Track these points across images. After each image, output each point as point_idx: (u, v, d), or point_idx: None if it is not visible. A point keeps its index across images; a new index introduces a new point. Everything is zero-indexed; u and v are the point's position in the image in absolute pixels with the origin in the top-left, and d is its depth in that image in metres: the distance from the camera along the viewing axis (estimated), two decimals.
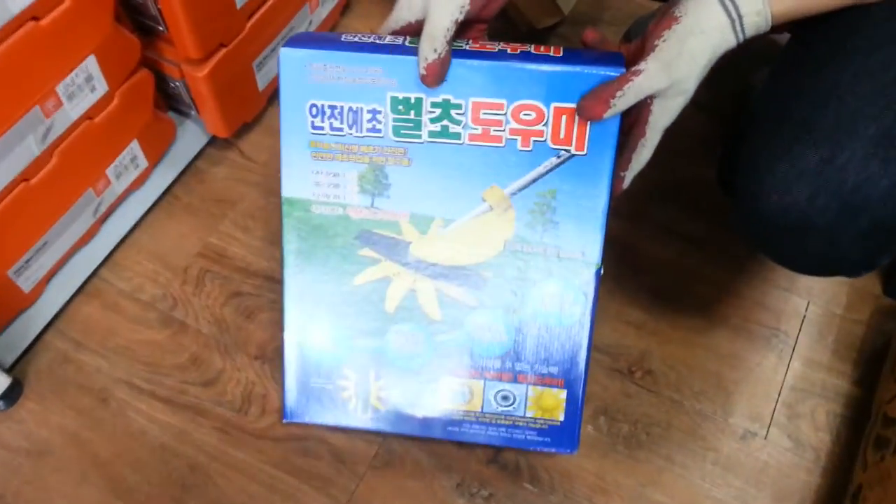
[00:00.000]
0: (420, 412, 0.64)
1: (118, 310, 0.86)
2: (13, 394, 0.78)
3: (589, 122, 0.55)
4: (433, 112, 0.57)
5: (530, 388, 0.62)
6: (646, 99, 0.53)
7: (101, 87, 0.76)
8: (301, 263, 0.62)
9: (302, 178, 0.60)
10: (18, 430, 0.78)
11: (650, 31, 0.53)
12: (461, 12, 0.53)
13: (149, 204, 0.92)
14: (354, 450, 0.77)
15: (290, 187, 0.60)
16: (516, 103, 0.56)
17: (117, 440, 0.77)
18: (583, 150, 0.56)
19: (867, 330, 0.86)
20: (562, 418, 0.63)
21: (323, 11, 1.00)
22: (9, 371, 0.79)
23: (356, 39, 0.58)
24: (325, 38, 0.59)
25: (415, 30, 0.56)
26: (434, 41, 0.53)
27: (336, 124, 0.58)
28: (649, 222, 0.92)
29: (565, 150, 0.56)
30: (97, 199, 0.84)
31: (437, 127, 0.57)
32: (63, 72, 0.70)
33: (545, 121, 0.56)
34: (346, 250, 0.61)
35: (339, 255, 0.61)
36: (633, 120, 0.55)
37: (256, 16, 0.86)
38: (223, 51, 0.83)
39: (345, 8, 1.09)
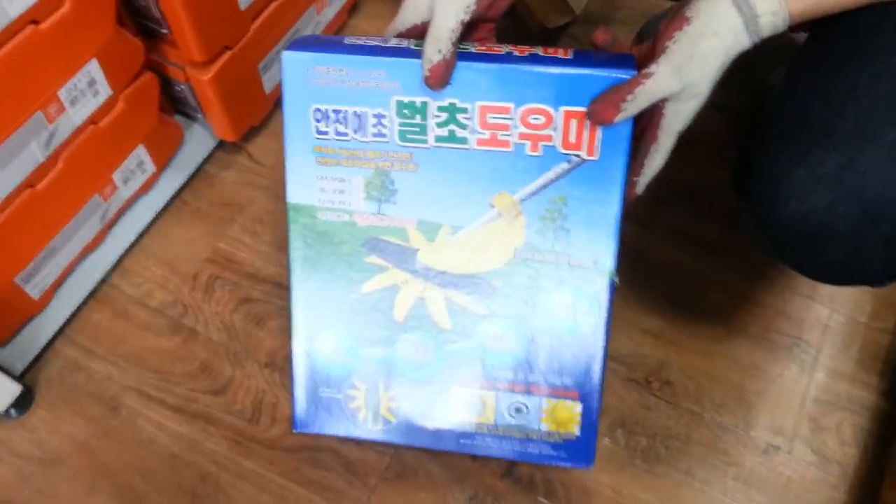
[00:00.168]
0: (431, 424, 0.63)
1: (128, 316, 0.85)
2: (25, 402, 0.79)
3: (600, 127, 0.53)
4: (439, 116, 0.55)
5: (544, 400, 0.60)
6: (658, 102, 0.51)
7: (105, 91, 0.75)
8: (308, 271, 0.61)
9: (307, 183, 0.59)
10: (30, 438, 0.78)
11: (661, 33, 0.51)
12: (466, 13, 0.51)
13: (157, 209, 0.91)
14: (366, 461, 0.76)
15: (296, 193, 0.59)
16: (524, 107, 0.54)
17: (127, 449, 0.77)
18: (594, 155, 0.54)
19: (893, 339, 0.83)
20: (577, 432, 0.61)
21: (330, 12, 0.99)
22: (20, 379, 0.79)
23: (360, 42, 0.57)
24: (329, 41, 0.58)
25: (420, 32, 0.54)
26: (438, 42, 0.51)
27: (341, 129, 0.57)
28: (664, 227, 0.89)
29: (576, 155, 0.55)
30: (104, 205, 0.84)
31: (443, 131, 0.56)
32: (65, 76, 0.70)
33: (554, 125, 0.54)
34: (353, 258, 0.60)
35: (345, 262, 0.60)
36: (645, 124, 0.53)
37: (261, 17, 0.84)
38: (228, 53, 0.82)
39: (353, 8, 1.08)
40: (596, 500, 0.73)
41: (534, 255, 0.58)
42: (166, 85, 0.87)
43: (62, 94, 0.70)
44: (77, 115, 0.73)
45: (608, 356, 0.59)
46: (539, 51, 0.55)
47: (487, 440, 0.62)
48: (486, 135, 0.55)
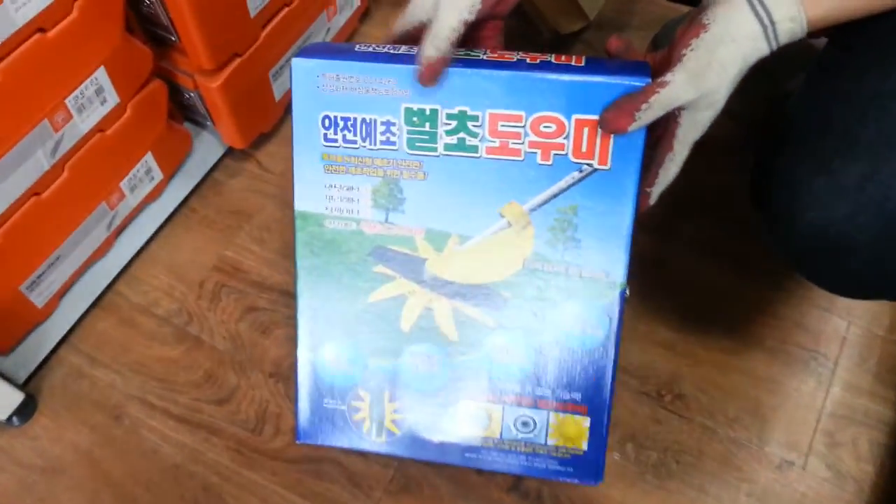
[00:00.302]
0: (437, 437, 0.62)
1: (133, 324, 0.85)
2: (27, 410, 0.78)
3: (612, 136, 0.52)
4: (449, 124, 0.54)
5: (551, 414, 0.59)
6: (673, 111, 0.50)
7: (113, 99, 0.75)
8: (314, 280, 0.60)
9: (315, 191, 0.58)
10: (32, 446, 0.77)
11: (677, 40, 0.50)
12: (471, 12, 0.50)
13: (165, 216, 0.91)
14: (370, 473, 0.75)
15: (303, 201, 0.59)
16: (536, 115, 0.53)
17: (130, 459, 0.76)
18: (606, 164, 0.53)
19: None
20: (585, 447, 0.59)
21: (341, 19, 0.98)
22: (23, 387, 0.78)
23: (370, 49, 0.56)
24: (339, 49, 0.58)
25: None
26: (437, 39, 0.50)
27: (349, 136, 0.56)
28: (677, 236, 0.88)
29: (587, 164, 0.54)
30: (111, 213, 0.83)
31: (453, 139, 0.55)
32: (72, 84, 0.69)
33: (566, 133, 0.53)
34: (360, 267, 0.59)
35: (352, 271, 0.59)
36: (660, 133, 0.52)
37: (272, 24, 0.84)
38: (237, 61, 0.82)
39: (364, 15, 1.07)
40: None
41: (543, 266, 0.57)
42: (175, 92, 0.86)
43: (69, 101, 0.70)
44: (84, 123, 0.73)
45: (619, 368, 0.58)
46: (551, 58, 0.54)
47: (493, 454, 0.61)
48: (497, 143, 0.54)
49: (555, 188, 0.55)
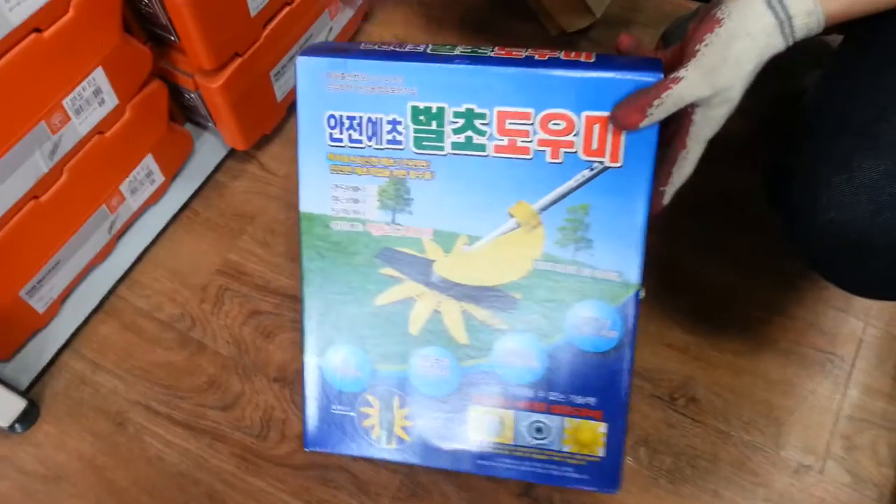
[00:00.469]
0: (448, 444, 0.60)
1: (136, 329, 0.84)
2: (30, 417, 0.77)
3: (624, 133, 0.51)
4: (456, 122, 0.54)
5: (566, 419, 0.58)
6: (686, 108, 0.48)
7: (111, 100, 0.74)
8: (320, 282, 0.59)
9: (320, 192, 0.57)
10: (35, 454, 0.77)
11: (690, 35, 0.48)
12: None
13: (167, 219, 0.90)
14: (378, 480, 0.74)
15: (308, 202, 0.58)
16: (545, 112, 0.52)
17: (133, 466, 0.76)
18: (618, 161, 0.52)
19: None
20: (601, 454, 0.58)
21: (343, 18, 0.97)
22: (25, 393, 0.78)
23: (376, 48, 0.55)
24: (344, 47, 0.57)
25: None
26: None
27: (355, 136, 0.55)
28: (689, 236, 0.86)
29: (598, 161, 0.52)
30: (112, 216, 0.82)
31: (460, 138, 0.54)
32: (69, 85, 0.68)
33: (576, 131, 0.52)
34: (367, 269, 0.58)
35: (359, 274, 0.58)
36: (673, 130, 0.51)
37: (273, 23, 0.83)
38: (238, 60, 0.80)
39: (367, 13, 1.06)
40: None
41: (554, 267, 0.55)
42: (176, 93, 0.85)
43: (66, 103, 0.69)
44: (82, 124, 0.72)
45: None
46: (560, 54, 0.53)
47: (507, 461, 0.60)
48: (505, 141, 0.53)
49: (565, 187, 0.54)
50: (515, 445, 0.59)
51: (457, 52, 0.54)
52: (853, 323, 0.81)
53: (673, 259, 0.85)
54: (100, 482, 0.75)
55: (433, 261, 0.57)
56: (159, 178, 0.87)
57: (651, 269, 0.56)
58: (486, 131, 0.53)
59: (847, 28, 0.54)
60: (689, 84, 0.47)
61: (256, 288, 0.86)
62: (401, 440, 0.61)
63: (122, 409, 0.79)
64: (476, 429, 0.59)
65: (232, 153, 0.95)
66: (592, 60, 0.52)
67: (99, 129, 0.75)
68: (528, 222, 0.55)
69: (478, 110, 0.53)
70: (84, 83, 0.69)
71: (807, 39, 0.48)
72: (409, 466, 0.73)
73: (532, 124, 0.52)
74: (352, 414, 0.61)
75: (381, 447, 0.61)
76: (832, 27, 0.48)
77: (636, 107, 0.48)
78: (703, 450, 0.74)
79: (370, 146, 0.55)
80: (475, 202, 0.55)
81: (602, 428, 0.57)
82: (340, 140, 0.55)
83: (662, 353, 0.80)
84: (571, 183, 0.53)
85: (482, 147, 0.54)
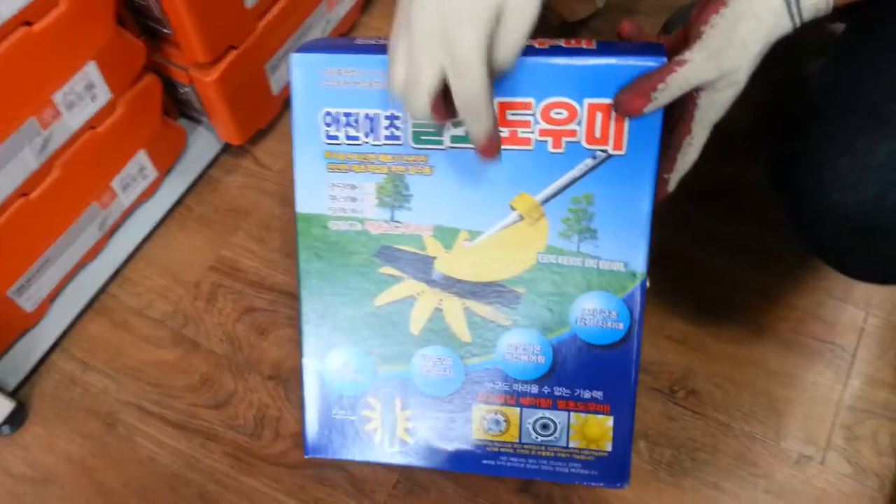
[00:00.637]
0: (452, 445, 0.59)
1: (127, 328, 0.83)
2: (18, 418, 0.76)
3: (628, 120, 0.50)
4: None
5: (572, 415, 0.57)
6: (691, 92, 0.48)
7: (104, 94, 0.73)
8: (318, 284, 0.58)
9: (317, 192, 0.56)
10: (23, 456, 0.76)
11: (695, 17, 0.48)
12: None
13: (159, 215, 0.89)
14: (374, 477, 0.73)
15: (305, 202, 0.57)
16: (546, 101, 0.51)
17: (125, 467, 0.75)
18: (621, 149, 0.51)
19: None
20: (609, 448, 0.57)
21: (341, 10, 0.96)
22: (13, 394, 0.77)
23: (372, 42, 0.54)
24: (339, 43, 0.56)
25: None
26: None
27: (352, 133, 0.54)
28: (689, 226, 0.86)
29: (602, 150, 0.52)
30: (103, 213, 0.81)
31: (460, 131, 0.53)
32: (60, 80, 0.67)
33: (578, 119, 0.51)
34: (366, 268, 0.57)
35: (358, 274, 0.57)
36: (677, 116, 0.50)
37: (268, 15, 0.82)
38: (233, 53, 0.80)
39: (366, 5, 1.05)
40: None
41: (558, 260, 0.55)
42: (170, 87, 0.84)
43: (57, 98, 0.68)
44: (74, 120, 0.71)
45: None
46: (561, 42, 0.52)
47: (512, 460, 0.59)
48: (506, 133, 0.52)
49: (568, 177, 0.53)
50: (521, 443, 0.58)
51: None
52: (854, 312, 0.81)
53: (671, 249, 0.84)
54: (90, 484, 0.74)
55: (434, 258, 0.56)
56: (152, 173, 0.86)
57: (651, 261, 0.56)
58: None
59: (852, 13, 0.54)
60: (695, 66, 0.46)
61: (251, 284, 0.85)
62: (403, 443, 0.60)
63: (113, 410, 0.77)
64: (480, 428, 0.59)
65: (226, 148, 0.94)
66: (594, 47, 0.51)
67: (91, 125, 0.74)
68: (530, 215, 0.54)
69: None
70: (76, 77, 0.68)
71: (810, 27, 0.48)
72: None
73: (533, 114, 0.51)
74: (353, 418, 0.60)
75: (384, 451, 0.60)
76: (839, 10, 0.48)
77: (640, 92, 0.48)
78: (703, 442, 0.74)
79: (368, 143, 0.54)
80: (476, 196, 0.54)
81: (609, 422, 0.57)
82: (337, 137, 0.54)
83: (661, 344, 0.79)
84: (574, 172, 0.52)
85: None
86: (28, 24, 0.61)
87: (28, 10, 0.61)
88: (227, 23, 0.77)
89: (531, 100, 0.51)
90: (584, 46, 0.51)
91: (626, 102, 0.49)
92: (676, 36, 0.51)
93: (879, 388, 0.77)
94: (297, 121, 0.55)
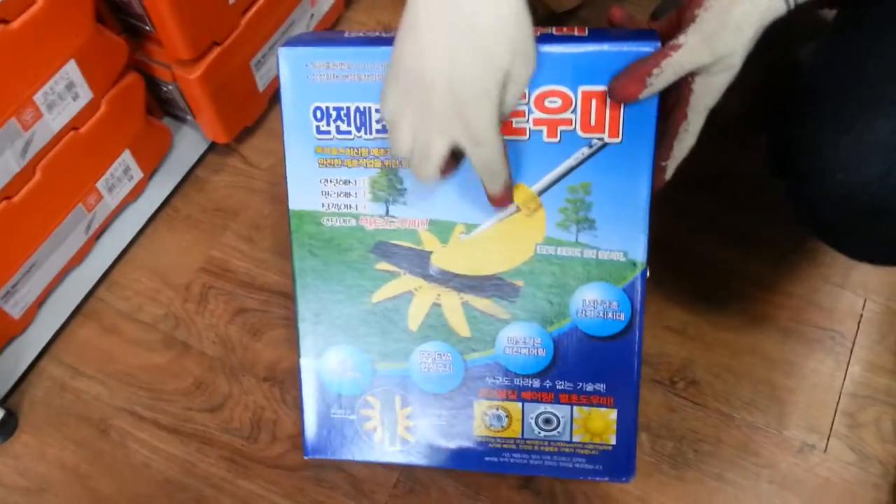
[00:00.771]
0: (453, 442, 0.58)
1: (117, 332, 0.82)
2: (7, 427, 0.75)
3: (623, 106, 0.50)
4: None
5: (575, 408, 0.56)
6: (686, 77, 0.47)
7: (85, 94, 0.71)
8: (314, 282, 0.57)
9: (310, 188, 0.55)
10: (14, 466, 0.74)
11: (689, 1, 0.47)
12: None
13: (146, 217, 0.87)
14: (374, 477, 0.72)
15: (298, 199, 0.56)
16: (539, 90, 0.50)
17: (119, 474, 0.74)
18: (617, 137, 0.51)
19: None
20: (613, 442, 0.57)
21: (325, 4, 0.95)
22: (2, 403, 0.76)
23: (360, 35, 0.53)
24: (327, 36, 0.55)
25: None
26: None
27: (343, 127, 0.53)
28: (685, 215, 0.85)
29: (597, 138, 0.51)
30: (89, 215, 0.80)
31: None
32: (40, 80, 0.66)
33: (573, 107, 0.50)
34: (362, 265, 0.56)
35: (354, 270, 0.56)
36: (672, 102, 0.49)
37: (252, 11, 0.81)
38: (217, 50, 0.78)
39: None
40: None
41: (557, 251, 0.54)
42: (153, 85, 0.83)
43: (38, 98, 0.66)
44: (55, 120, 0.69)
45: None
46: (552, 30, 0.51)
47: (515, 456, 0.58)
48: None
49: (564, 166, 0.52)
50: (524, 439, 0.57)
51: None
52: (852, 298, 0.81)
53: (669, 238, 0.83)
54: (84, 491, 0.73)
55: (430, 252, 0.55)
56: (137, 174, 0.84)
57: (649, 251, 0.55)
58: None
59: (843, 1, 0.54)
60: (689, 50, 0.45)
61: (242, 285, 0.84)
62: (404, 441, 0.59)
63: (106, 416, 0.76)
64: (482, 424, 0.58)
65: (212, 147, 0.93)
66: (586, 34, 0.51)
67: (73, 125, 0.72)
68: (527, 206, 0.53)
69: None
70: (56, 77, 0.67)
71: (803, 9, 0.47)
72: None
73: (527, 104, 0.51)
74: (352, 417, 0.59)
75: (385, 450, 0.59)
76: None
77: (634, 77, 0.47)
78: (705, 433, 0.74)
79: (360, 136, 0.53)
80: (471, 189, 0.53)
81: (613, 415, 0.56)
82: (328, 132, 0.53)
83: (661, 335, 0.79)
84: (570, 162, 0.52)
85: None
86: (5, 21, 0.60)
87: (4, 7, 0.59)
88: (209, 18, 0.75)
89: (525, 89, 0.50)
90: (576, 34, 0.51)
91: (620, 88, 0.48)
92: (669, 21, 0.50)
93: (880, 375, 0.76)
94: (286, 117, 0.54)
